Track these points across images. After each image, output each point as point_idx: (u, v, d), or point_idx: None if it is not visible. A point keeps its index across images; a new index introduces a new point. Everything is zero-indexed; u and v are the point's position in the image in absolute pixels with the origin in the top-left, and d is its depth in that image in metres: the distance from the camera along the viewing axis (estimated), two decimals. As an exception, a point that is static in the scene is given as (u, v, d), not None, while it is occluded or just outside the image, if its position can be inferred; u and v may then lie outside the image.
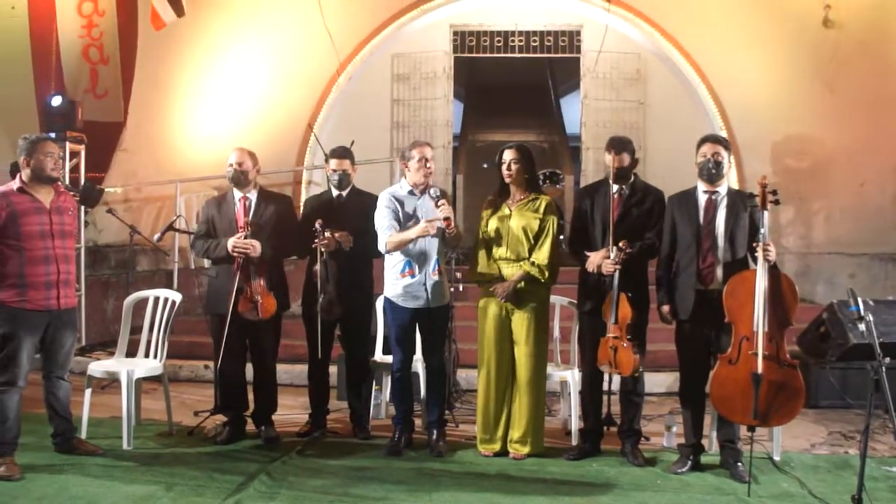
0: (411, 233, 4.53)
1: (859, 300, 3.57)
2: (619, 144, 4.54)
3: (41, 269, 4.25)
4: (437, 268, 4.65)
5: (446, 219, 4.45)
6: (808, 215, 8.50)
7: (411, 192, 4.68)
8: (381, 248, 4.64)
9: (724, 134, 8.20)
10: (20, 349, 4.22)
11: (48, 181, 4.34)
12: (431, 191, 4.58)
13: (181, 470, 4.31)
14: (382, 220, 4.62)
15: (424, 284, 4.62)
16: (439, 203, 4.48)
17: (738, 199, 4.33)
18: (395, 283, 4.68)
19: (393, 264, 4.68)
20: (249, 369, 5.01)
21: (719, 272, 4.26)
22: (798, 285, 4.12)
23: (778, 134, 8.46)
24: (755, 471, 4.19)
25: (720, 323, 4.17)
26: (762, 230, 4.05)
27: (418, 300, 4.64)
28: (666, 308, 4.43)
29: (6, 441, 4.20)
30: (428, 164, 4.65)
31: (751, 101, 8.46)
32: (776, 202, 4.08)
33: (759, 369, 3.91)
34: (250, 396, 5.03)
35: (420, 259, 4.63)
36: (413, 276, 4.63)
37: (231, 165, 4.85)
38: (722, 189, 4.35)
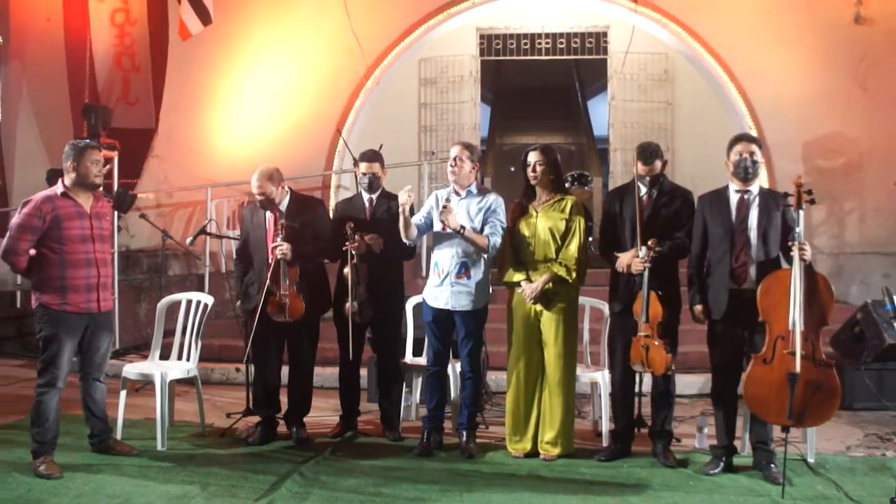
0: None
1: (895, 299, 3.52)
2: (649, 154, 4.50)
3: (82, 273, 4.33)
4: (462, 272, 4.63)
5: (441, 221, 4.53)
6: (840, 215, 8.39)
7: (454, 192, 4.73)
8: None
9: (753, 133, 8.13)
10: (61, 351, 4.30)
11: (91, 188, 4.42)
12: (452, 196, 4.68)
13: (215, 470, 4.36)
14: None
15: (445, 287, 4.66)
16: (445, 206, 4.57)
17: (771, 199, 4.30)
18: (430, 280, 4.76)
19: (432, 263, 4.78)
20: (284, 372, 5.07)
21: (752, 271, 4.23)
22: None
23: (809, 133, 8.37)
24: (789, 473, 4.14)
25: (753, 322, 4.13)
26: (797, 229, 4.00)
27: (440, 301, 4.68)
28: (699, 308, 4.40)
29: (46, 441, 4.28)
30: (454, 163, 4.68)
31: (781, 100, 8.37)
32: (812, 202, 4.02)
33: (797, 368, 3.87)
34: (283, 398, 5.08)
35: (444, 261, 4.67)
36: (439, 276, 4.69)
37: (256, 195, 4.83)
38: (754, 188, 4.31)
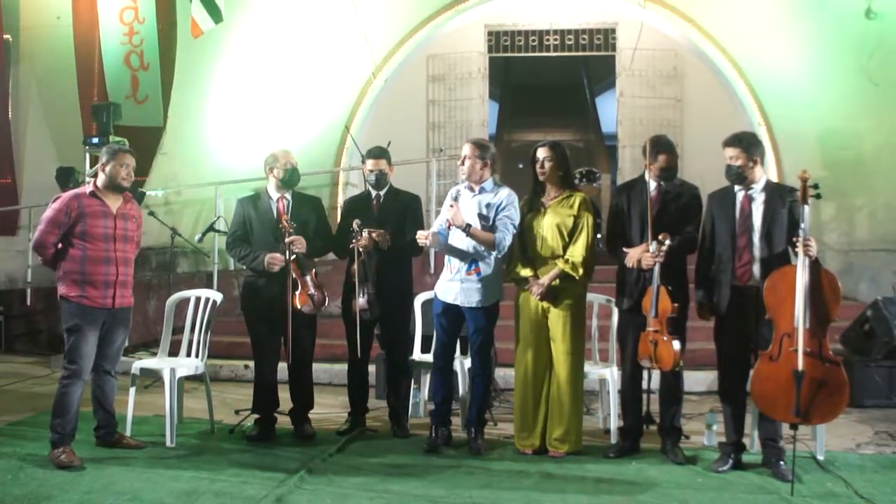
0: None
1: (905, 295, 3.49)
2: (661, 148, 4.49)
3: (101, 269, 4.45)
4: (472, 269, 4.63)
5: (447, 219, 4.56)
6: (850, 211, 8.33)
7: (469, 188, 4.74)
8: None
9: (762, 129, 8.10)
10: (85, 342, 4.40)
11: (118, 189, 4.56)
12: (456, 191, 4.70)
13: (224, 466, 4.38)
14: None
15: (455, 282, 4.67)
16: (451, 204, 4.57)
17: (777, 194, 4.27)
18: (443, 274, 4.79)
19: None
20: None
21: (756, 269, 4.21)
22: (841, 283, 4.03)
23: (819, 129, 8.30)
24: (798, 470, 4.12)
25: (760, 319, 4.12)
26: (802, 225, 3.98)
27: (449, 295, 4.69)
28: (704, 304, 4.39)
29: (66, 432, 4.36)
30: (464, 161, 4.67)
31: (790, 95, 8.32)
32: (818, 196, 4.01)
33: (800, 366, 3.85)
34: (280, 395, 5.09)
35: (456, 257, 4.68)
36: (451, 271, 4.70)
37: (289, 167, 4.94)
38: (759, 184, 4.29)
